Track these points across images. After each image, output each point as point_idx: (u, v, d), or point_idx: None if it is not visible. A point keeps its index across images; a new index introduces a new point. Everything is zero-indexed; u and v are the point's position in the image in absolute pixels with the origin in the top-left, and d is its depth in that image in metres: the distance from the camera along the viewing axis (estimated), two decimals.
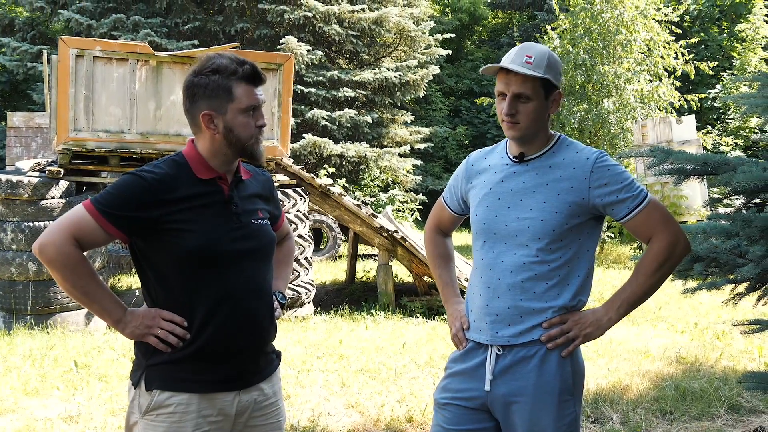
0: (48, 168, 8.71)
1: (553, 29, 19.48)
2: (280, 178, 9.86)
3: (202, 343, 2.46)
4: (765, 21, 24.78)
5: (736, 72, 23.54)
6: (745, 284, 3.83)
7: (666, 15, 18.44)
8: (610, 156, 3.03)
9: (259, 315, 2.58)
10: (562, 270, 2.64)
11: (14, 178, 8.39)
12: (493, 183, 2.75)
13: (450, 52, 23.04)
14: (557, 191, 2.63)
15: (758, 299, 3.93)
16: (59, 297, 8.41)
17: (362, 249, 14.50)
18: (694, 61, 18.51)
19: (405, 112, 22.53)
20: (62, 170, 8.66)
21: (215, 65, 2.48)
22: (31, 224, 8.38)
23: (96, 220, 2.40)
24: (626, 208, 2.62)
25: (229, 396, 2.52)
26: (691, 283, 4.12)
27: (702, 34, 25.57)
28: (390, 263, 10.26)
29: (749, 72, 22.15)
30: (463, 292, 2.97)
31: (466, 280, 8.25)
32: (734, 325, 4.15)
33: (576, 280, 2.66)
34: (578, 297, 2.68)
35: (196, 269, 2.46)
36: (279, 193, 9.28)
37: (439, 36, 22.57)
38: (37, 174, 8.79)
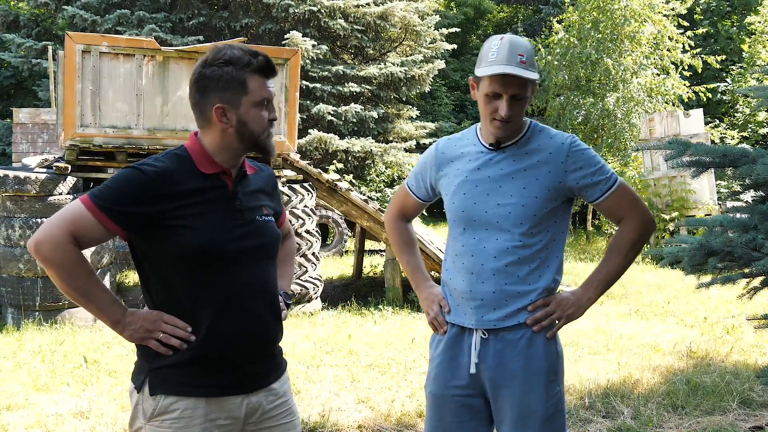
0: (55, 164, 8.70)
1: (559, 22, 19.40)
2: (287, 173, 9.83)
3: (207, 348, 2.36)
4: None
5: (744, 65, 23.37)
6: (761, 278, 3.80)
7: (673, 9, 18.37)
8: (619, 149, 3.08)
9: (265, 316, 2.47)
10: (542, 253, 2.72)
11: (21, 175, 8.38)
12: (468, 171, 2.78)
13: (455, 46, 22.88)
14: (536, 176, 2.70)
15: None
16: None
17: (369, 244, 14.48)
18: (702, 55, 18.42)
19: (410, 107, 22.47)
20: (69, 166, 8.64)
21: (228, 56, 2.35)
22: (38, 220, 8.37)
23: (95, 216, 2.26)
24: (599, 191, 2.72)
25: (237, 399, 2.42)
26: (705, 278, 4.10)
27: (713, 27, 25.36)
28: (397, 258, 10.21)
29: (758, 66, 21.98)
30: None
31: None
32: (749, 320, 4.13)
33: (555, 261, 2.76)
34: (555, 277, 2.77)
35: (200, 268, 2.35)
36: (286, 188, 9.34)
37: (444, 30, 22.44)
38: (45, 170, 8.79)
